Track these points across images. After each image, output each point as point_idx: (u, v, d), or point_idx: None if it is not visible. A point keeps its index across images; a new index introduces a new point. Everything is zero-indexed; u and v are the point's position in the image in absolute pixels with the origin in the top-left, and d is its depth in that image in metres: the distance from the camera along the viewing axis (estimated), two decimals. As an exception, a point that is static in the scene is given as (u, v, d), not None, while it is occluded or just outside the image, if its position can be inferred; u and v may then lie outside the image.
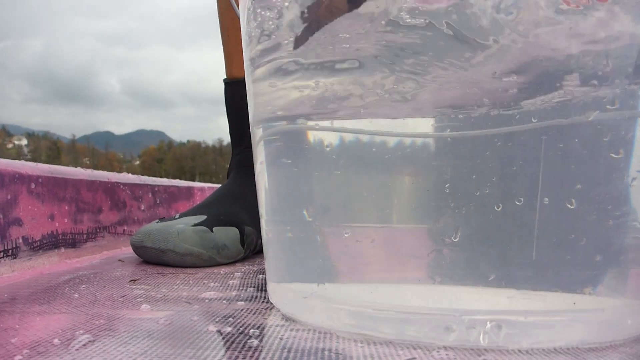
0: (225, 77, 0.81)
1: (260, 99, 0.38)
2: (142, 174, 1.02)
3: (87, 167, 0.85)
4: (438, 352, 0.28)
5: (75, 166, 0.76)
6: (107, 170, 0.93)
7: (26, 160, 0.64)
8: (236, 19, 0.77)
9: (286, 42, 0.34)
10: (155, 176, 1.05)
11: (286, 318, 0.35)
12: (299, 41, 0.30)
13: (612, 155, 0.30)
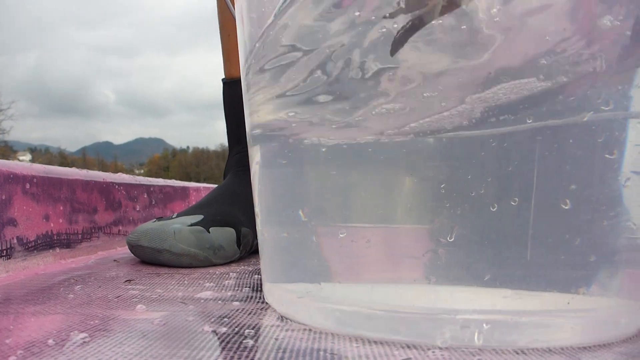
0: (223, 76, 0.81)
1: (255, 99, 0.38)
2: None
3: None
4: (433, 352, 0.28)
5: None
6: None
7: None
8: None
9: (278, 47, 0.34)
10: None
11: (282, 318, 0.35)
12: (397, 44, 0.28)
13: (607, 155, 0.30)
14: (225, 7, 0.79)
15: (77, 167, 0.76)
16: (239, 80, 0.78)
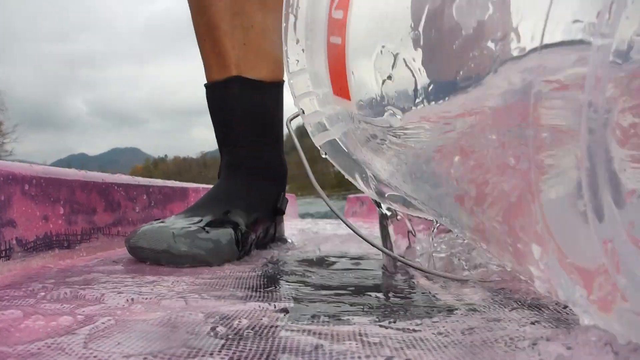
0: (205, 82, 0.80)
1: None
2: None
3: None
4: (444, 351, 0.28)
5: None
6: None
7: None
8: (210, 24, 0.75)
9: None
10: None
11: (281, 318, 0.35)
12: None
13: None
14: (199, 13, 0.76)
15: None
16: (219, 83, 0.77)
